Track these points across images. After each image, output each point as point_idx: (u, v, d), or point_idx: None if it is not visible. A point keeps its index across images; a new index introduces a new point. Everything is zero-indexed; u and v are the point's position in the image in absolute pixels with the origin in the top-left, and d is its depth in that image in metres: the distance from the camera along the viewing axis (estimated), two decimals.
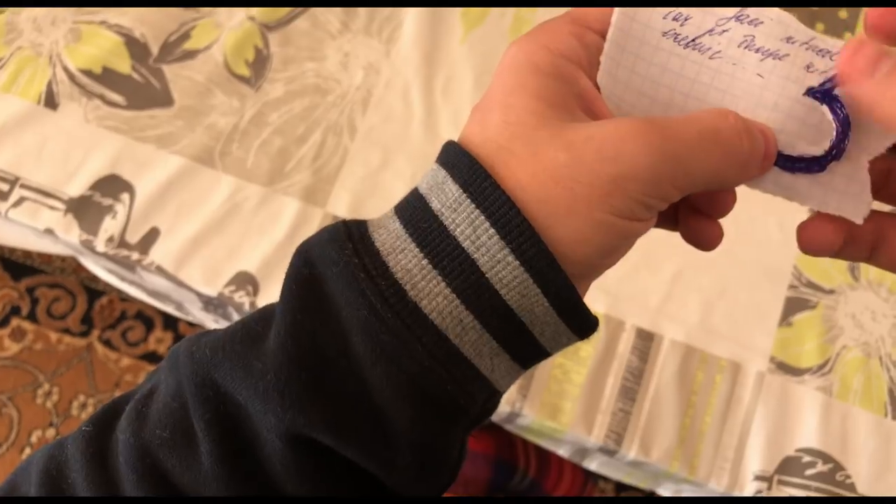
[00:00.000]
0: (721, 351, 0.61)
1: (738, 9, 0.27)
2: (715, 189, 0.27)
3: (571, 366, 0.60)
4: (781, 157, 0.27)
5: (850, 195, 0.27)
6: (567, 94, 0.25)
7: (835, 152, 0.27)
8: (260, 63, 0.65)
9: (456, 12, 0.67)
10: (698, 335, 0.61)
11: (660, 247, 0.62)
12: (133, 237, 0.61)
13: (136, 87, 0.64)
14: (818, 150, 0.27)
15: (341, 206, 0.62)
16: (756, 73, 0.27)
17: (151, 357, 1.31)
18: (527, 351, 0.26)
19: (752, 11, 0.27)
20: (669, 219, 0.30)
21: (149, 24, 0.66)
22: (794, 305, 0.62)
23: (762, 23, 0.27)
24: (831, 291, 0.62)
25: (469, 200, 0.24)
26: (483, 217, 0.24)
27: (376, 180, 0.63)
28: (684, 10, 0.27)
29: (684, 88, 0.28)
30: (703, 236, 0.30)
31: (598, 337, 0.60)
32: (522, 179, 0.24)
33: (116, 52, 0.65)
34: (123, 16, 0.66)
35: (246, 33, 0.66)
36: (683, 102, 0.28)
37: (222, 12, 0.66)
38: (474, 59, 0.66)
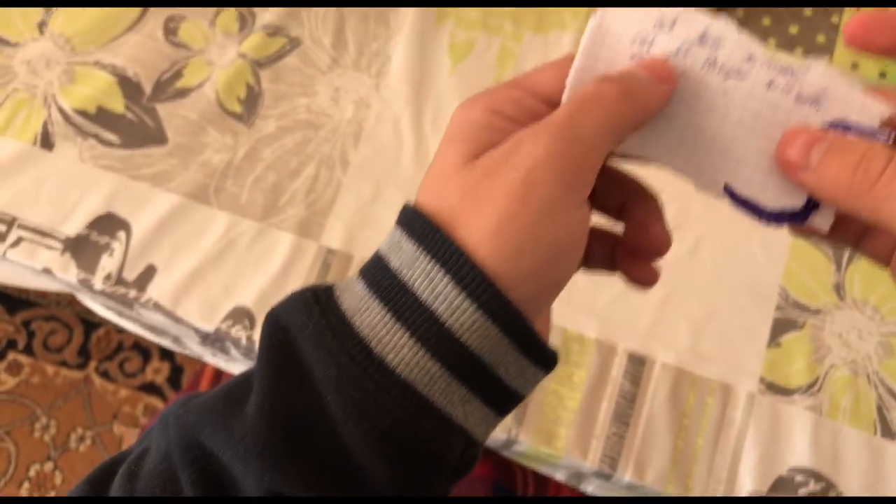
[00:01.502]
0: (711, 373, 0.62)
1: (700, 31, 0.28)
2: (631, 131, 0.28)
3: (565, 391, 0.61)
4: (765, 213, 0.29)
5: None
6: (495, 139, 0.27)
7: (812, 202, 0.28)
8: (252, 100, 0.67)
9: (443, 46, 0.69)
10: (689, 358, 0.62)
11: None
12: (130, 275, 0.61)
13: (130, 126, 0.65)
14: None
15: (335, 239, 0.63)
16: (721, 92, 0.28)
17: (149, 388, 1.32)
18: (496, 393, 0.27)
19: (714, 33, 0.28)
20: (607, 263, 0.33)
21: (141, 63, 0.67)
22: (781, 326, 0.63)
23: (723, 44, 0.28)
24: (818, 311, 0.63)
25: (424, 255, 0.26)
26: (438, 268, 0.25)
27: (369, 212, 0.64)
28: (650, 35, 0.29)
29: (664, 109, 0.29)
30: (642, 278, 0.32)
31: (591, 362, 0.61)
32: (464, 224, 0.26)
33: (110, 92, 0.66)
34: (116, 56, 0.67)
35: (237, 70, 0.67)
36: (653, 121, 0.29)
37: (213, 50, 0.68)
38: (462, 91, 0.67)
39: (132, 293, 0.61)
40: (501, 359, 0.26)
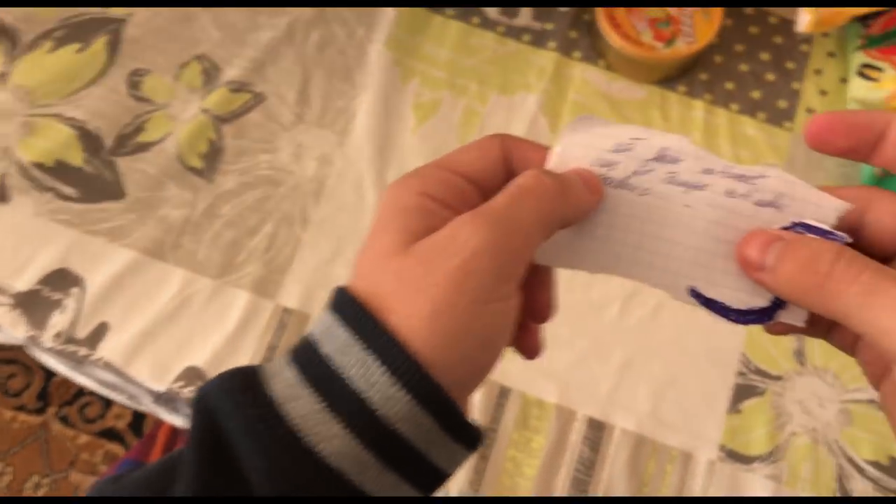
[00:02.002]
0: (671, 440, 0.61)
1: (658, 150, 0.30)
2: (560, 227, 0.29)
3: (523, 458, 0.60)
4: (732, 312, 0.29)
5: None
6: (427, 223, 0.27)
7: (778, 299, 0.29)
8: (213, 155, 0.66)
9: (408, 104, 0.69)
10: (649, 424, 0.61)
11: (608, 335, 0.62)
12: (82, 332, 0.60)
13: (89, 180, 0.64)
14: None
15: (292, 298, 0.62)
16: (683, 204, 0.30)
17: (109, 434, 1.29)
18: (426, 477, 0.27)
19: (671, 151, 0.30)
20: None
21: (103, 116, 0.66)
22: (742, 392, 0.62)
23: (681, 160, 0.30)
24: (778, 377, 0.63)
25: (357, 342, 0.25)
26: (372, 357, 0.25)
27: (327, 271, 0.63)
28: (611, 157, 0.30)
29: (620, 224, 0.30)
30: (525, 347, 0.33)
31: (550, 427, 0.60)
32: (398, 310, 0.26)
33: (69, 145, 0.65)
34: (78, 109, 0.66)
35: (200, 125, 0.67)
36: (622, 236, 0.30)
37: (176, 104, 0.67)
38: (425, 151, 0.67)
39: (83, 351, 0.60)
40: (433, 445, 0.26)
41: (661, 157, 0.30)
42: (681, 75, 0.71)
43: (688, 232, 0.29)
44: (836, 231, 0.28)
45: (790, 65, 0.72)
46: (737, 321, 0.29)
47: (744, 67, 0.72)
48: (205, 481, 0.25)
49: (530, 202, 0.27)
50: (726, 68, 0.72)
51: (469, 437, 0.28)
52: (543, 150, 0.31)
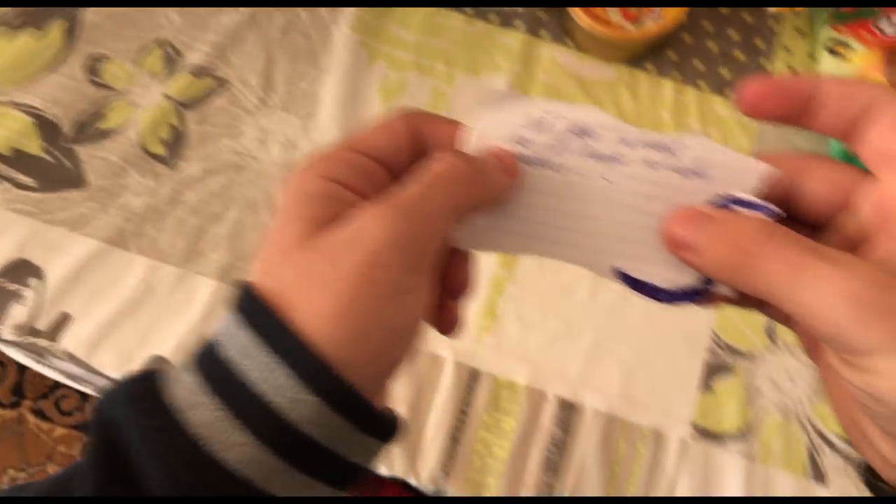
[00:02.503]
0: (643, 419, 0.61)
1: (572, 124, 0.29)
2: (471, 212, 0.28)
3: (494, 439, 0.60)
4: (662, 293, 0.28)
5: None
6: (332, 208, 0.26)
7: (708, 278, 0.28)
8: (176, 141, 0.65)
9: (374, 86, 0.68)
10: (620, 404, 0.61)
11: (578, 317, 0.62)
12: (42, 324, 0.59)
13: (48, 169, 0.63)
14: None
15: None
16: (602, 178, 0.29)
17: (86, 426, 1.27)
18: (341, 474, 0.26)
19: (587, 124, 0.29)
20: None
21: (61, 104, 0.65)
22: (713, 370, 0.62)
23: (597, 133, 0.29)
24: (749, 355, 0.63)
25: (260, 344, 0.24)
26: (275, 359, 0.24)
27: None
28: (527, 134, 0.29)
29: (539, 203, 0.29)
30: (441, 322, 0.31)
31: (521, 409, 0.60)
32: (303, 307, 0.24)
33: (27, 134, 0.64)
34: (35, 96, 0.65)
35: (162, 112, 0.65)
36: (541, 215, 0.29)
37: (137, 91, 0.66)
38: None
39: (44, 343, 0.59)
40: (346, 443, 0.25)
41: (576, 131, 0.29)
42: (650, 54, 0.70)
43: (608, 207, 0.29)
44: (766, 204, 0.27)
45: (759, 43, 0.71)
46: (668, 302, 0.28)
47: (713, 46, 0.71)
48: (100, 490, 0.24)
49: (443, 189, 0.26)
50: (695, 47, 0.71)
51: (384, 430, 0.27)
52: (455, 125, 0.30)
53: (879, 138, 0.25)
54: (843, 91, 0.25)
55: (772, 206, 0.27)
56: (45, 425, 1.26)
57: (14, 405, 1.26)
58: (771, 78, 0.26)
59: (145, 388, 0.25)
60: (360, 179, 0.28)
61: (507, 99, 0.29)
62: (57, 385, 1.29)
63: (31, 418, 1.26)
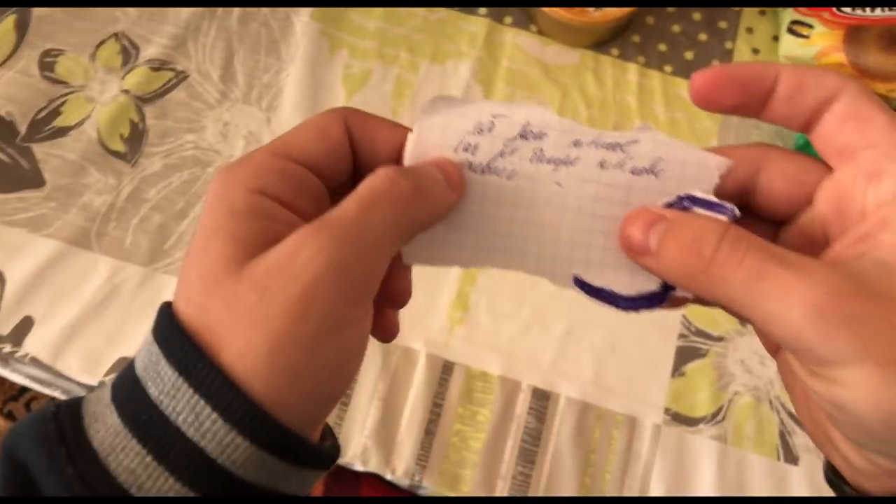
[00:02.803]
0: (616, 406, 0.61)
1: (521, 126, 0.27)
2: (417, 232, 0.26)
3: (469, 432, 0.59)
4: (621, 299, 0.27)
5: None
6: (264, 230, 0.24)
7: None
8: (136, 137, 0.63)
9: (337, 76, 0.67)
10: (593, 391, 0.61)
11: (550, 304, 0.62)
12: (4, 328, 0.58)
13: (5, 169, 0.61)
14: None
15: None
16: (554, 182, 0.27)
17: None
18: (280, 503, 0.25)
19: (535, 126, 0.27)
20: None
21: (15, 101, 0.63)
22: (685, 355, 0.62)
23: (546, 135, 0.27)
24: (720, 338, 0.63)
25: (186, 385, 0.22)
26: (203, 402, 0.22)
27: None
28: (473, 139, 0.27)
29: (490, 211, 0.28)
30: (382, 330, 0.30)
31: (495, 399, 0.60)
32: (231, 345, 0.22)
33: None
34: None
35: (120, 107, 0.64)
36: (492, 225, 0.28)
37: (94, 86, 0.64)
38: None
39: (6, 348, 0.57)
40: (281, 479, 0.24)
41: (525, 134, 0.27)
42: (614, 38, 0.70)
43: (561, 212, 0.27)
44: (724, 203, 0.26)
45: (722, 24, 0.71)
46: (627, 308, 0.28)
47: (676, 28, 0.71)
48: None
49: (383, 210, 0.24)
50: (658, 29, 0.71)
51: (323, 461, 0.25)
52: (393, 128, 0.28)
53: (832, 129, 0.24)
54: (799, 80, 0.25)
55: (729, 206, 0.26)
56: None
57: None
58: (725, 67, 0.25)
59: (64, 428, 0.23)
60: (292, 191, 0.25)
61: (454, 104, 0.28)
62: (26, 387, 1.26)
63: (1, 421, 1.23)
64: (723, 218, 0.25)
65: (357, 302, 0.24)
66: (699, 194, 0.26)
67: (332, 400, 0.25)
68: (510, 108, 0.27)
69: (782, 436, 0.61)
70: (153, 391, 0.23)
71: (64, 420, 0.23)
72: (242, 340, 0.22)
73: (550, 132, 0.27)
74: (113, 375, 0.57)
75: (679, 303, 0.28)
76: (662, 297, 0.27)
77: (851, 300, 0.21)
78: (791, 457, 0.60)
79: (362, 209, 0.24)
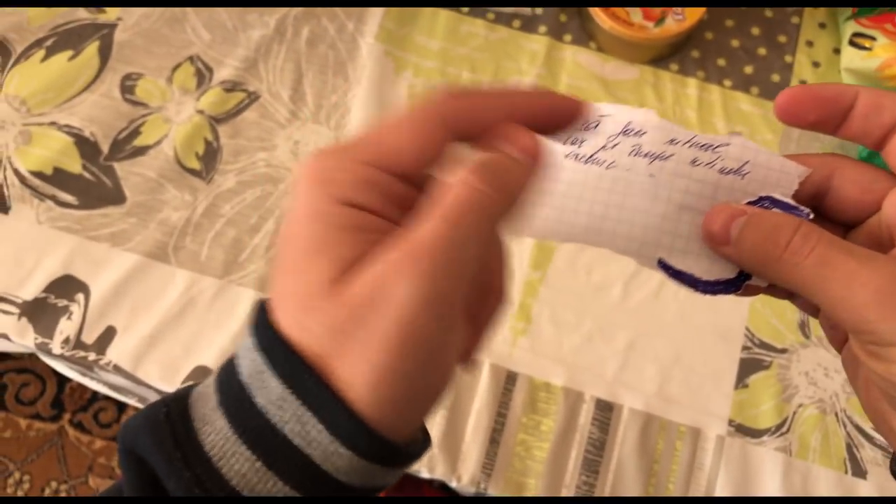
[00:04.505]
0: (680, 417, 0.61)
1: (624, 124, 0.30)
2: (504, 220, 0.26)
3: (533, 441, 0.60)
4: (700, 283, 0.29)
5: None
6: (359, 243, 0.24)
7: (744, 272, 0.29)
8: (210, 155, 0.66)
9: (402, 96, 0.69)
10: (656, 402, 0.61)
11: (612, 317, 0.63)
12: (89, 337, 0.61)
13: (88, 186, 0.65)
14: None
15: None
16: (648, 174, 0.30)
17: None
18: (375, 494, 0.27)
19: (636, 125, 0.30)
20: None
21: (98, 122, 0.66)
22: (748, 367, 0.63)
23: (646, 132, 0.30)
24: (784, 350, 0.63)
25: (294, 397, 0.24)
26: (309, 414, 0.23)
27: None
28: (579, 135, 0.30)
29: (588, 195, 0.30)
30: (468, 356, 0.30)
31: (558, 410, 0.61)
32: (338, 369, 0.24)
33: (67, 153, 0.65)
34: (73, 116, 0.66)
35: (195, 127, 0.67)
36: (588, 207, 0.30)
37: (171, 107, 0.67)
38: None
39: (91, 356, 0.60)
40: (380, 478, 0.25)
41: (626, 131, 0.30)
42: (673, 53, 0.71)
43: (653, 201, 0.30)
44: (799, 206, 0.28)
45: (782, 38, 0.72)
46: (705, 292, 0.30)
47: (735, 43, 0.71)
48: None
49: (469, 222, 0.24)
50: (717, 44, 0.71)
51: (418, 456, 0.27)
52: (508, 101, 0.28)
53: None
54: (877, 101, 0.27)
55: (806, 210, 0.28)
56: (84, 437, 1.28)
57: (55, 418, 1.29)
58: (809, 86, 0.28)
59: (176, 429, 0.24)
60: (383, 200, 0.25)
61: None
62: (95, 398, 1.31)
63: (71, 431, 1.28)
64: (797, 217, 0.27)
65: (451, 325, 0.24)
66: (779, 196, 0.29)
67: (430, 412, 0.26)
68: (617, 109, 0.30)
69: (849, 448, 0.61)
70: (260, 400, 0.24)
71: (176, 422, 0.24)
72: (346, 366, 0.23)
73: (650, 130, 0.30)
74: (191, 383, 0.60)
75: (753, 291, 0.30)
76: (738, 284, 0.30)
77: None
78: (859, 470, 0.60)
79: (450, 227, 0.24)
